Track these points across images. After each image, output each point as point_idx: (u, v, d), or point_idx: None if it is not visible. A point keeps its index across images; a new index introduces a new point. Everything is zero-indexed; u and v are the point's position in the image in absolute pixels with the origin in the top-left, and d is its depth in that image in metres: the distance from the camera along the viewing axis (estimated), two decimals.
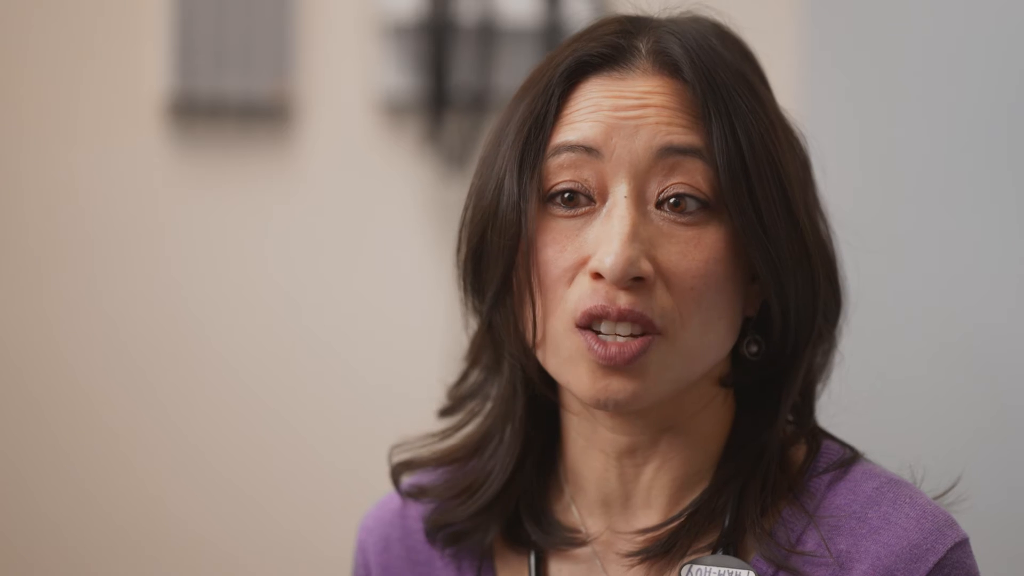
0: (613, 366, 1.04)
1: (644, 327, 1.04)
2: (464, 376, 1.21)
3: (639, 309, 1.03)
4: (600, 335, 1.04)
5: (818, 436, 1.13)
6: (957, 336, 1.75)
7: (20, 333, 2.44)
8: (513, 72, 2.38)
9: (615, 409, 1.06)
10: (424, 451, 1.21)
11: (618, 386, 1.04)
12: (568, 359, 1.06)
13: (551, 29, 2.39)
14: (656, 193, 1.05)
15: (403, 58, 2.44)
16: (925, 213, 1.81)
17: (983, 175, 1.73)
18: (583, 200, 1.06)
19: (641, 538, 1.10)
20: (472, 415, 1.20)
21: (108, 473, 2.45)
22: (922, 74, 1.84)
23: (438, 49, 2.42)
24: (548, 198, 1.07)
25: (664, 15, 1.13)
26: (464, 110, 2.42)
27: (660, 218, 1.05)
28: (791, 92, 2.04)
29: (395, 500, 1.23)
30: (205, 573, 2.48)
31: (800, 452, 1.12)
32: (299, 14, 2.45)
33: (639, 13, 1.14)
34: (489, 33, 2.42)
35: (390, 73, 2.44)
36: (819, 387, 1.16)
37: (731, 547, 1.08)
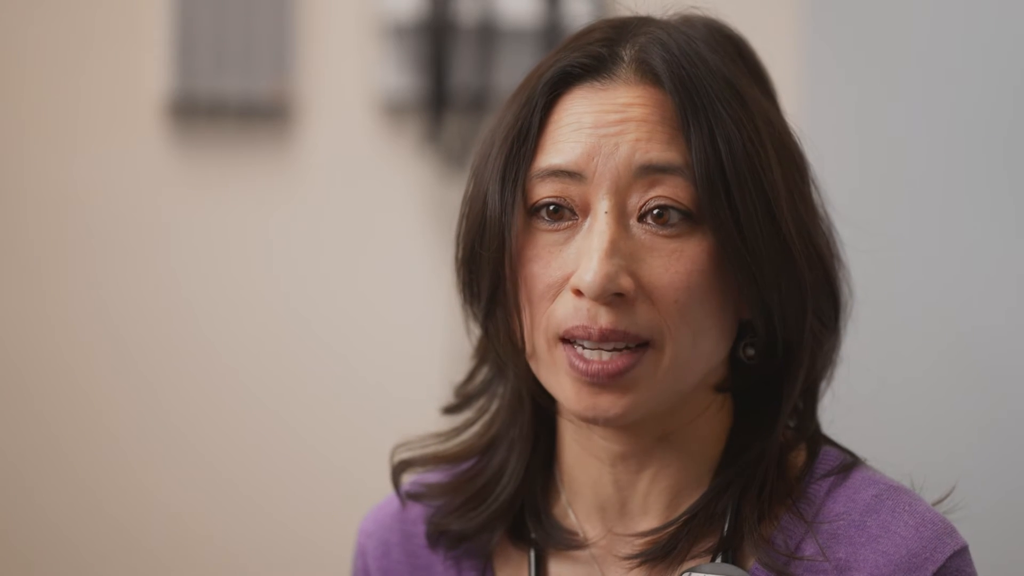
0: (598, 383, 1.03)
1: (629, 342, 1.03)
2: (472, 375, 1.20)
3: (621, 327, 1.02)
4: (584, 349, 1.04)
5: (818, 441, 1.13)
6: (956, 337, 1.75)
7: (20, 333, 2.44)
8: (513, 72, 2.38)
9: (606, 424, 1.06)
10: (429, 451, 1.21)
11: (607, 403, 1.04)
12: (554, 373, 1.06)
13: (551, 29, 2.39)
14: (638, 206, 1.04)
15: (403, 58, 2.44)
16: (924, 213, 1.81)
17: (982, 175, 1.73)
18: (567, 214, 1.06)
19: (640, 541, 1.10)
20: (480, 414, 1.20)
21: (109, 473, 2.45)
22: (922, 74, 1.84)
23: (438, 49, 2.42)
24: (533, 211, 1.07)
25: (657, 15, 1.12)
26: (464, 110, 2.42)
27: (643, 231, 1.04)
28: (791, 92, 2.04)
29: (394, 503, 1.22)
30: (206, 574, 2.48)
31: (800, 457, 1.11)
32: (299, 14, 2.45)
33: (630, 15, 1.13)
34: (489, 33, 2.42)
35: (390, 73, 2.44)
36: (822, 387, 1.16)
37: (730, 553, 1.07)
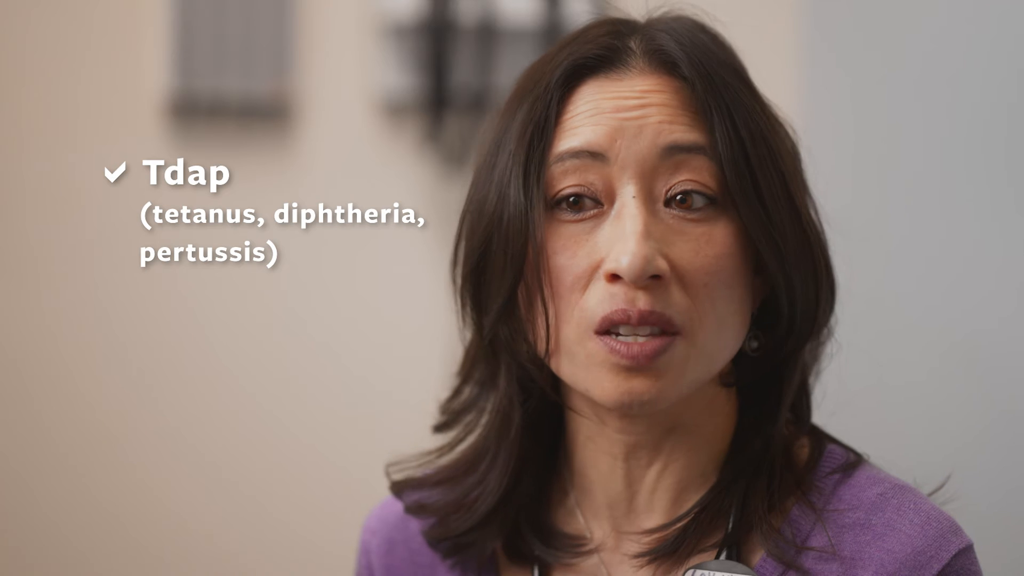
0: (637, 367, 1.03)
1: (664, 327, 1.03)
2: (457, 391, 1.19)
3: (659, 309, 1.02)
4: (620, 337, 1.03)
5: (822, 440, 1.13)
6: (955, 337, 1.75)
7: (20, 334, 2.44)
8: (513, 72, 2.38)
9: (640, 411, 1.05)
10: (420, 470, 1.21)
11: (642, 387, 1.03)
12: (585, 366, 1.05)
13: (551, 29, 2.39)
14: (664, 191, 1.05)
15: (403, 58, 2.44)
16: (923, 213, 1.81)
17: (982, 175, 1.73)
18: (589, 204, 1.05)
19: (648, 538, 1.10)
20: (468, 430, 1.19)
21: (109, 473, 2.45)
22: (921, 74, 1.84)
23: (438, 49, 2.42)
24: (553, 204, 1.06)
25: (645, 17, 1.13)
26: (464, 110, 2.42)
27: (670, 216, 1.04)
28: (791, 91, 2.04)
29: (398, 502, 1.22)
30: (206, 574, 2.48)
31: (803, 450, 1.12)
32: (299, 14, 2.45)
33: (623, 16, 1.13)
34: (489, 33, 2.42)
35: (390, 73, 2.44)
36: (811, 378, 1.16)
37: (736, 547, 1.08)
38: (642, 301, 1.02)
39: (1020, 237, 1.67)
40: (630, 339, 1.03)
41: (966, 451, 1.69)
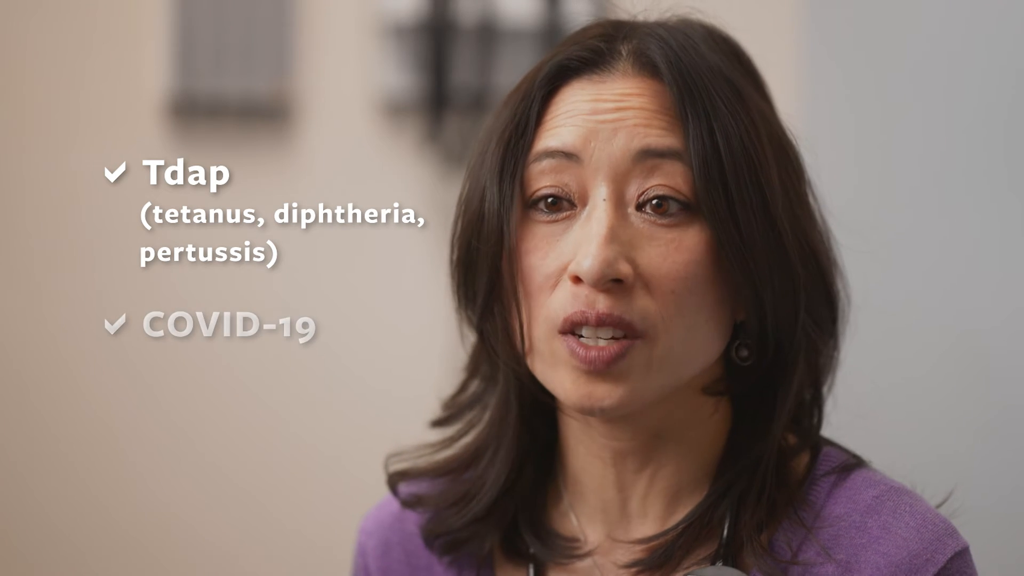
0: (595, 371, 1.03)
1: (625, 330, 1.03)
2: (463, 387, 1.20)
3: (617, 312, 1.02)
4: (582, 339, 1.03)
5: (819, 443, 1.12)
6: (955, 337, 1.75)
7: (19, 333, 2.44)
8: (513, 72, 2.38)
9: (601, 415, 1.05)
10: (421, 461, 1.21)
11: (602, 392, 1.04)
12: (552, 365, 1.05)
13: (551, 29, 2.39)
14: (636, 195, 1.04)
15: (403, 58, 2.44)
16: (923, 215, 1.81)
17: (982, 177, 1.73)
18: (565, 205, 1.06)
19: (639, 548, 1.10)
20: (471, 425, 1.19)
21: (110, 475, 2.45)
22: (921, 75, 1.84)
23: (438, 49, 2.42)
24: (531, 203, 1.06)
25: (654, 18, 1.13)
26: (464, 110, 2.42)
27: (641, 220, 1.04)
28: (790, 93, 2.04)
29: (394, 503, 1.22)
30: (206, 574, 2.48)
31: (803, 462, 1.11)
32: (299, 14, 2.45)
33: (628, 17, 1.13)
34: (489, 33, 2.42)
35: (390, 73, 2.44)
36: (824, 393, 1.15)
37: (729, 559, 1.07)
38: (602, 304, 1.02)
39: (1019, 237, 1.67)
40: (591, 342, 1.03)
41: (965, 450, 1.69)
